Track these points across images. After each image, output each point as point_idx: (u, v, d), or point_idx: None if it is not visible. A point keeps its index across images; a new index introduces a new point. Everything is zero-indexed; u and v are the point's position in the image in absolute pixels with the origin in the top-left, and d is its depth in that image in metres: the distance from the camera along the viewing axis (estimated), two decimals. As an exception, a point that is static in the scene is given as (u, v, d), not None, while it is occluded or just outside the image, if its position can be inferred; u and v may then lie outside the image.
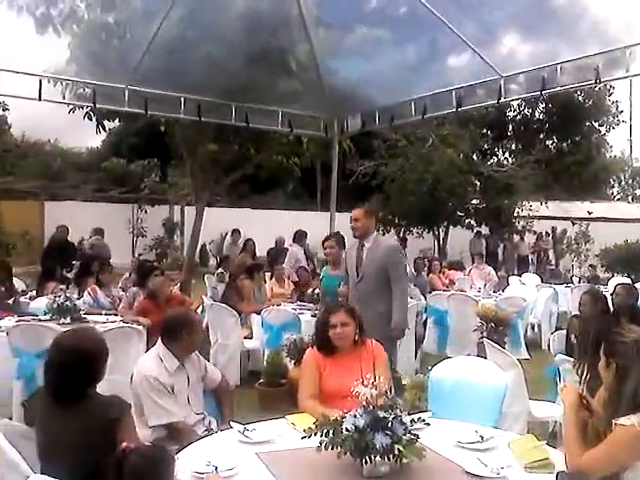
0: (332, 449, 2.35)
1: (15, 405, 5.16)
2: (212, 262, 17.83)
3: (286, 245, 11.36)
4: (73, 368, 2.53)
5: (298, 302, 7.91)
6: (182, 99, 7.45)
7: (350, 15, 7.42)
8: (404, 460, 2.27)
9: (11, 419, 4.99)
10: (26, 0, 7.48)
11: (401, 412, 2.38)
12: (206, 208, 11.03)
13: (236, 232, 12.41)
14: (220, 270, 10.84)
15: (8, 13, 7.43)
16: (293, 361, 6.21)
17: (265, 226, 15.08)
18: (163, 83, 7.36)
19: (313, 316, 7.08)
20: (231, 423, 2.94)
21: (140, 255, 18.85)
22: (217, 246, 18.16)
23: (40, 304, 6.73)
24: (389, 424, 2.31)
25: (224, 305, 7.08)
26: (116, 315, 6.65)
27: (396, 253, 5.40)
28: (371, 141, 18.06)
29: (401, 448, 2.26)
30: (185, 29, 7.15)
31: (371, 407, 2.35)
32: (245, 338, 7.16)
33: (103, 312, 6.83)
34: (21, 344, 5.12)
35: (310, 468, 2.49)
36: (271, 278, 8.85)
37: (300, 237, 10.72)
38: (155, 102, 7.38)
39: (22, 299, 7.90)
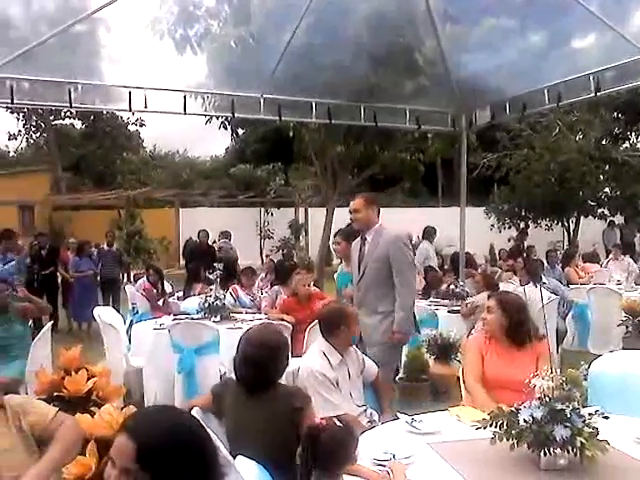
0: (507, 440, 2.38)
1: (177, 397, 5.62)
2: (335, 261, 18.17)
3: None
4: (267, 361, 2.75)
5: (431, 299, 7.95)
6: (313, 103, 7.68)
7: (476, 7, 7.34)
8: (587, 453, 2.25)
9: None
10: (167, 25, 8.08)
11: (578, 405, 2.36)
12: (319, 209, 11.33)
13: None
14: (348, 269, 11.00)
15: (152, 38, 8.06)
16: (433, 357, 6.26)
17: (389, 224, 15.14)
18: (295, 89, 7.65)
19: (450, 312, 7.09)
20: (398, 414, 3.03)
21: (267, 256, 19.58)
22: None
23: (190, 304, 7.21)
24: (567, 416, 2.30)
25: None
26: (259, 313, 7.02)
27: (398, 242, 4.63)
28: (494, 133, 17.62)
29: (583, 441, 2.25)
30: (313, 36, 7.38)
31: (547, 399, 2.35)
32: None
33: (244, 311, 7.21)
34: (181, 341, 5.53)
35: (484, 459, 2.52)
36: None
37: (429, 233, 10.67)
38: (287, 108, 7.68)
39: (170, 300, 8.52)
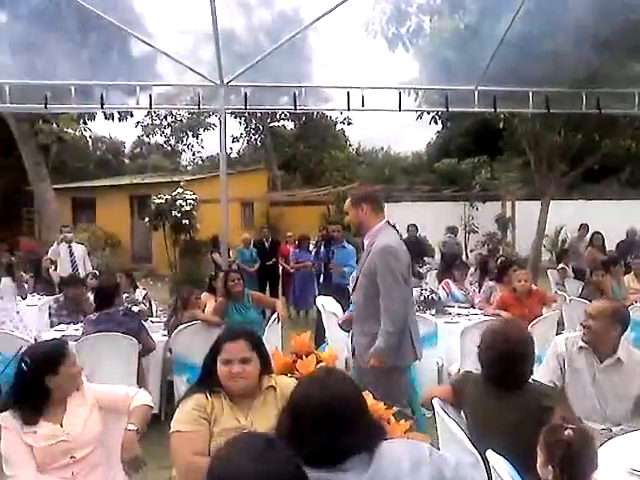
0: None
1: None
2: (544, 257, 17.29)
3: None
4: (523, 358, 2.74)
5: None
6: (530, 93, 7.42)
7: None
8: None
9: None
10: (380, 25, 8.32)
11: None
12: (526, 202, 10.80)
13: (584, 226, 11.81)
14: (561, 265, 10.45)
15: (365, 38, 8.37)
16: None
17: (600, 217, 14.04)
18: (510, 80, 7.44)
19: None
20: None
21: (472, 251, 19.21)
22: (552, 241, 17.56)
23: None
24: None
25: (584, 301, 6.81)
26: (472, 308, 6.95)
27: (383, 255, 3.79)
28: None
29: None
30: (531, 24, 7.11)
31: None
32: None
33: (456, 305, 7.17)
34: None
35: None
36: (626, 273, 8.23)
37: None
38: (502, 99, 7.50)
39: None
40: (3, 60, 6.95)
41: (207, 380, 2.57)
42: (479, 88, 7.35)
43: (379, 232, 3.91)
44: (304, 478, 1.56)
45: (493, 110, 7.48)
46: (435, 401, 2.89)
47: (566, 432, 2.04)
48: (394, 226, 4.21)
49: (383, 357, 3.73)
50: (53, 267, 9.15)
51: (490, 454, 2.30)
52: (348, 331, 4.38)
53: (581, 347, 3.35)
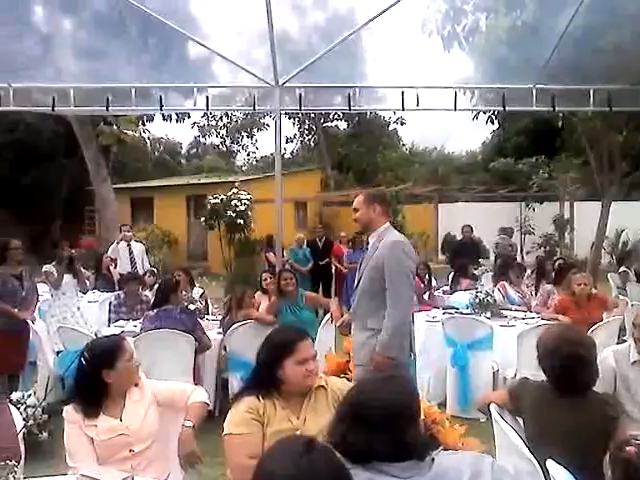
0: None
1: (448, 389, 5.73)
2: (604, 260, 16.76)
3: None
4: (589, 362, 2.67)
5: None
6: (591, 91, 7.19)
7: None
8: None
9: (445, 405, 5.58)
10: (435, 23, 8.23)
11: None
12: (585, 203, 10.46)
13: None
14: (623, 268, 10.14)
15: (419, 37, 8.28)
16: None
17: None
18: (570, 77, 7.23)
19: None
20: None
21: (528, 253, 18.79)
22: (612, 243, 17.01)
23: (458, 298, 7.25)
24: None
25: (648, 305, 6.59)
26: (529, 311, 6.80)
27: (396, 251, 3.82)
28: None
29: None
30: (592, 17, 6.89)
31: None
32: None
33: (512, 308, 7.03)
34: (454, 335, 5.61)
35: None
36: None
37: None
38: (562, 97, 7.29)
39: (436, 293, 8.67)
40: (68, 65, 7.21)
41: (262, 382, 2.58)
42: (537, 86, 7.17)
43: (386, 232, 3.94)
44: None
45: (552, 109, 7.27)
46: (492, 407, 2.84)
47: (628, 449, 1.98)
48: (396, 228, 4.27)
49: (389, 353, 3.70)
50: (113, 265, 9.42)
51: (550, 463, 2.24)
52: (347, 335, 4.35)
53: (635, 361, 3.25)
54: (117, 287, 8.54)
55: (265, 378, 2.57)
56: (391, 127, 30.76)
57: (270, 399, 2.55)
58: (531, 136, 23.17)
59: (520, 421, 2.81)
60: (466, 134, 50.70)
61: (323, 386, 2.63)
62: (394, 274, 3.76)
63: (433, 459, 1.83)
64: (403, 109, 7.21)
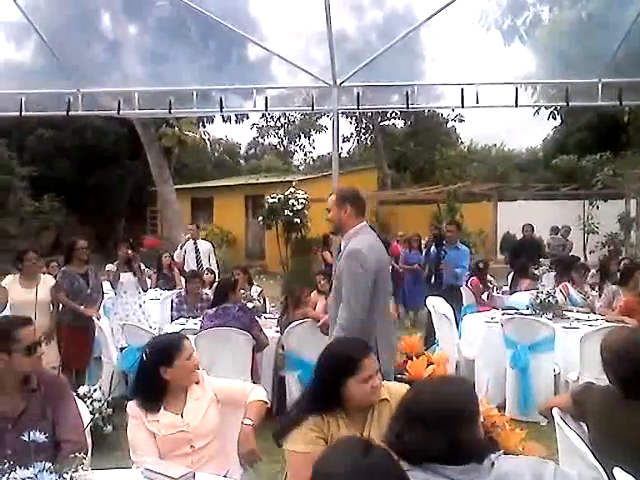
0: None
1: (508, 391, 5.61)
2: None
3: None
4: None
5: None
6: (660, 84, 6.90)
7: None
8: None
9: (503, 408, 5.47)
10: (494, 17, 8.06)
11: None
12: None
13: None
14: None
15: (478, 32, 8.13)
16: None
17: None
18: (637, 70, 6.95)
19: None
20: None
21: (591, 252, 18.22)
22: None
23: (518, 299, 7.10)
24: None
25: None
26: (592, 313, 6.59)
27: (348, 259, 3.66)
28: None
29: None
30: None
31: None
32: None
33: (575, 309, 6.83)
34: (514, 336, 5.50)
35: None
36: None
37: None
38: (629, 91, 7.01)
39: (495, 294, 8.52)
40: (133, 70, 7.42)
41: (325, 400, 2.51)
42: (602, 80, 6.92)
43: (356, 234, 3.78)
44: None
45: (618, 104, 7.01)
46: (555, 411, 2.76)
47: None
48: (373, 227, 4.16)
49: None
50: (176, 269, 9.63)
51: (618, 472, 2.17)
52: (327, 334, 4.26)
53: None
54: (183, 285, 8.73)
55: (328, 396, 2.50)
56: (449, 124, 30.32)
57: (334, 416, 2.51)
58: (595, 132, 22.45)
59: (584, 427, 2.73)
60: (526, 131, 49.55)
61: (386, 399, 2.57)
62: (345, 286, 3.65)
63: (493, 463, 1.81)
64: (463, 106, 7.06)
